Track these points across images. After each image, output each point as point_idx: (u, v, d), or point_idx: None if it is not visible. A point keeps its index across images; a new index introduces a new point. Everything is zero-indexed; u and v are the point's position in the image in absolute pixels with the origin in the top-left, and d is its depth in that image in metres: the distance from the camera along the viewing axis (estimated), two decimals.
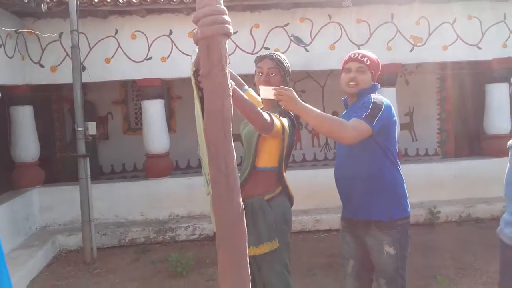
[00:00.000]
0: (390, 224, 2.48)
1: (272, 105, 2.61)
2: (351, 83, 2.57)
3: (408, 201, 2.60)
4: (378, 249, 2.50)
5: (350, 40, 6.73)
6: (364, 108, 2.39)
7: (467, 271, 4.59)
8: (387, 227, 2.48)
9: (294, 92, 2.31)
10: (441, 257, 5.00)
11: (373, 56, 2.62)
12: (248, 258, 1.49)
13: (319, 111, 2.35)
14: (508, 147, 2.09)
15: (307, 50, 6.73)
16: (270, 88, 2.35)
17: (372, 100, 2.43)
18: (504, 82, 6.95)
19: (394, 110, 2.53)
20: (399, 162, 2.61)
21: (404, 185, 2.60)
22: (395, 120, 2.54)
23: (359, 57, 2.57)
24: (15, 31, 5.91)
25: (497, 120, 7.03)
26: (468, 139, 8.82)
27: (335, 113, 8.98)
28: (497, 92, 7.00)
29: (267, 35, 6.64)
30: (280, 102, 2.30)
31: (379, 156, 2.50)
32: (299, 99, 2.30)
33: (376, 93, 2.58)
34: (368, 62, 2.56)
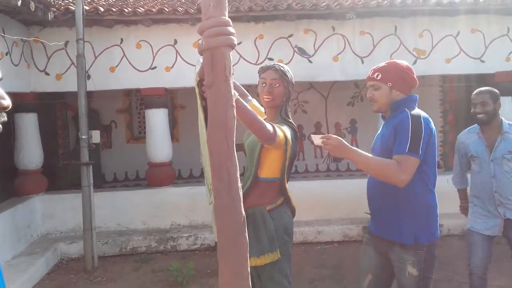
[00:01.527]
0: (416, 247, 2.40)
1: (275, 115, 2.63)
2: (371, 102, 2.54)
3: (438, 225, 2.51)
4: (401, 267, 2.44)
5: (354, 52, 6.76)
6: (404, 139, 2.28)
7: None
8: (412, 249, 2.41)
9: (340, 139, 2.27)
10: (443, 270, 4.97)
11: (390, 67, 2.50)
12: (249, 269, 1.49)
13: (367, 154, 2.31)
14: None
15: (310, 61, 6.76)
16: (319, 136, 2.33)
17: (410, 123, 2.31)
18: (507, 96, 6.95)
19: (432, 123, 2.41)
20: (434, 186, 2.49)
21: (437, 209, 2.50)
22: (435, 133, 2.41)
23: (370, 74, 2.53)
24: (21, 39, 5.96)
25: None
26: None
27: (337, 125, 9.05)
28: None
29: (271, 46, 6.69)
30: (329, 150, 2.28)
31: (416, 183, 2.37)
32: (346, 144, 2.27)
33: (415, 105, 2.48)
34: (380, 77, 2.47)
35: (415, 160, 2.27)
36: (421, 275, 2.41)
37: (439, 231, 2.52)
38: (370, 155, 2.37)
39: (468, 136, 3.55)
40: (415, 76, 2.53)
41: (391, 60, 2.58)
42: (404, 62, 2.55)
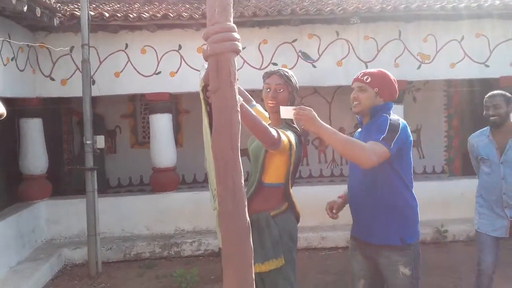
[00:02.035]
0: (403, 247, 2.45)
1: (279, 120, 2.62)
2: (354, 102, 2.58)
3: (418, 225, 2.57)
4: (393, 269, 2.46)
5: (358, 57, 6.76)
6: (381, 130, 2.36)
7: None
8: (400, 249, 2.45)
9: (313, 112, 2.29)
10: (448, 277, 4.94)
11: (379, 72, 2.57)
12: (253, 275, 1.48)
13: (339, 133, 2.33)
14: None
15: (314, 66, 6.77)
16: (290, 108, 2.34)
17: (389, 121, 2.40)
18: None
19: (409, 130, 2.50)
20: (413, 186, 2.56)
21: (417, 208, 2.56)
22: (411, 141, 2.51)
23: (359, 76, 2.58)
24: (27, 45, 6.00)
25: None
26: None
27: (342, 129, 9.02)
28: None
29: (275, 51, 6.69)
30: (300, 122, 2.29)
31: (393, 181, 2.46)
32: (318, 119, 2.29)
33: (391, 112, 2.53)
34: (369, 80, 2.52)
35: (386, 150, 2.29)
36: (414, 274, 2.46)
37: (419, 231, 2.57)
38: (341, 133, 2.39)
39: (479, 139, 3.59)
40: (397, 89, 2.61)
41: (381, 69, 2.64)
42: (390, 74, 2.61)
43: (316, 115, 2.29)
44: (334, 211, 2.71)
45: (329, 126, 2.31)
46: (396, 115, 2.53)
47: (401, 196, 2.49)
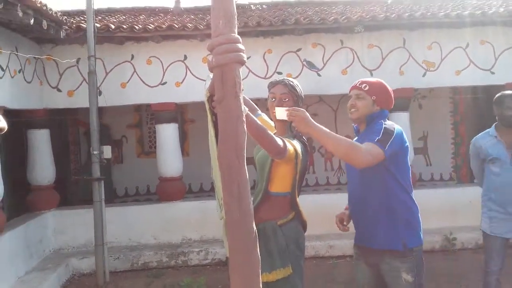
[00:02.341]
0: (405, 253, 2.45)
1: (285, 130, 2.63)
2: (352, 109, 2.60)
3: (421, 229, 2.57)
4: (395, 275, 2.46)
5: (362, 65, 6.77)
6: (376, 133, 2.39)
7: None
8: (402, 255, 2.45)
9: (306, 113, 2.31)
10: (457, 284, 4.90)
11: (376, 81, 2.61)
12: (261, 284, 1.48)
13: (332, 132, 2.35)
14: None
15: (319, 75, 6.78)
16: (284, 108, 2.37)
17: (384, 126, 2.44)
18: None
19: (405, 136, 2.52)
20: (412, 190, 2.57)
21: (418, 213, 2.57)
22: (407, 146, 2.52)
23: (357, 84, 2.61)
24: (34, 57, 6.06)
25: None
26: None
27: (348, 137, 8.99)
28: None
29: (280, 60, 6.72)
30: (293, 123, 2.31)
31: (390, 183, 2.47)
32: (312, 120, 2.30)
33: (387, 119, 2.57)
34: (367, 88, 2.55)
35: (380, 151, 2.32)
36: (416, 281, 2.45)
37: (422, 234, 2.56)
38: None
39: (485, 140, 3.57)
40: (393, 98, 2.65)
41: (377, 79, 2.68)
42: (387, 84, 2.65)
43: (309, 115, 2.31)
44: (344, 223, 2.69)
45: (321, 126, 2.32)
46: (391, 122, 2.56)
47: (400, 200, 2.49)
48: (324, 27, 6.46)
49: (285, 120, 2.49)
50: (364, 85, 2.57)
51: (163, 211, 6.66)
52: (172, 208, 6.67)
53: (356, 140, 2.62)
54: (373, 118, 2.55)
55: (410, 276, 2.43)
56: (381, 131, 2.39)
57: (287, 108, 2.35)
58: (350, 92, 2.65)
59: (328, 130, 2.34)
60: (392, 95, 2.63)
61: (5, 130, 0.92)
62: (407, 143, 2.53)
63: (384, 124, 2.46)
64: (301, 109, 2.34)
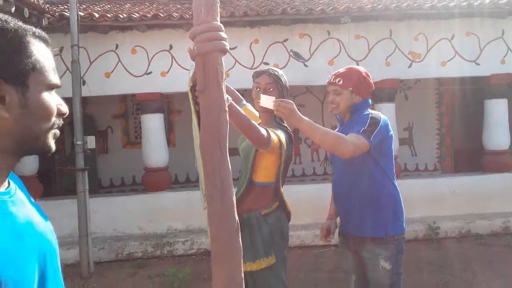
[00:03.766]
0: (387, 240, 2.49)
1: (270, 120, 2.62)
2: (332, 105, 2.62)
3: (404, 218, 2.60)
4: (374, 263, 2.51)
5: (349, 56, 6.78)
6: (362, 123, 2.41)
7: None
8: (384, 243, 2.49)
9: (294, 105, 2.31)
10: (440, 273, 4.97)
11: (350, 73, 2.60)
12: (243, 275, 1.48)
13: (317, 124, 2.36)
14: None
15: (306, 66, 6.77)
16: (272, 98, 2.35)
17: (370, 115, 2.46)
18: (502, 98, 6.98)
19: (390, 126, 2.55)
20: (395, 178, 2.61)
21: (401, 201, 2.60)
22: (392, 135, 2.55)
23: (331, 80, 2.62)
24: None
25: (496, 136, 7.02)
26: (467, 155, 8.83)
27: (334, 128, 9.02)
28: (496, 108, 7.02)
29: (266, 50, 6.69)
30: (279, 113, 2.31)
31: (375, 172, 2.50)
32: (298, 112, 2.30)
33: (369, 109, 2.59)
34: (341, 82, 2.56)
35: (366, 142, 2.34)
36: (394, 269, 2.49)
37: (404, 223, 2.60)
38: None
39: None
40: (372, 81, 2.65)
41: (351, 66, 2.69)
42: (362, 69, 2.66)
43: (296, 108, 2.31)
44: (331, 236, 2.75)
45: (307, 119, 2.33)
46: (377, 111, 2.59)
47: (384, 188, 2.54)
48: (311, 17, 6.44)
49: (270, 110, 2.48)
50: (338, 79, 2.58)
51: (149, 201, 6.63)
52: (157, 199, 6.64)
53: (340, 130, 2.64)
54: (358, 108, 2.57)
55: (388, 264, 2.48)
56: (368, 121, 2.40)
57: (276, 99, 2.33)
58: (327, 88, 2.67)
59: (314, 123, 2.35)
60: (369, 79, 2.63)
61: (67, 114, 0.98)
62: (392, 132, 2.56)
63: (371, 114, 2.48)
64: (290, 101, 2.34)
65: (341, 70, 2.65)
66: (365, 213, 2.51)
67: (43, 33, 0.95)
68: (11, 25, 0.86)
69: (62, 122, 1.01)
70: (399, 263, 2.52)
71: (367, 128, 2.37)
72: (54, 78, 0.98)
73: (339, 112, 2.62)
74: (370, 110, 2.54)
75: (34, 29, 0.93)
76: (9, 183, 0.93)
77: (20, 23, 0.89)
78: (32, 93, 0.90)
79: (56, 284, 0.99)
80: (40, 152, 0.98)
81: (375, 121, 2.42)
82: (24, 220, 0.89)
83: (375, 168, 2.50)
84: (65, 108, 0.99)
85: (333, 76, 2.62)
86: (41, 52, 0.93)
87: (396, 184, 2.60)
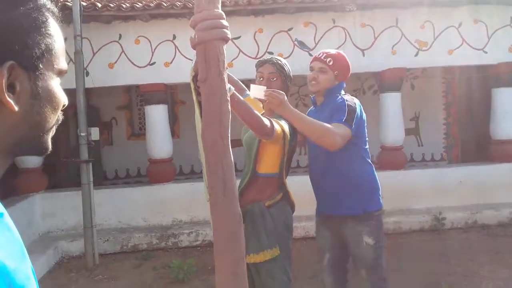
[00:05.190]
0: (366, 216, 2.57)
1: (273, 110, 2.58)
2: (312, 82, 2.63)
3: (380, 194, 2.68)
4: (357, 239, 2.58)
5: (354, 45, 6.69)
6: (341, 111, 2.45)
7: (473, 279, 4.52)
8: (363, 219, 2.57)
9: (285, 96, 2.32)
10: (446, 263, 4.93)
11: (340, 57, 2.65)
12: (246, 267, 1.45)
13: (307, 116, 2.41)
14: None
15: (311, 55, 6.69)
16: (262, 88, 2.32)
17: (346, 102, 2.49)
18: (510, 87, 6.88)
19: (362, 107, 2.64)
20: (369, 156, 2.70)
21: (376, 177, 2.68)
22: (365, 118, 2.63)
23: (322, 57, 2.64)
24: None
25: (503, 125, 6.92)
26: (474, 144, 8.74)
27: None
28: (503, 97, 6.92)
29: (271, 39, 6.62)
30: (269, 104, 2.32)
31: (351, 153, 2.57)
32: (288, 104, 2.32)
33: (342, 91, 2.65)
34: (331, 63, 2.60)
35: (348, 130, 2.42)
36: (377, 243, 2.58)
37: (381, 199, 2.70)
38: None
39: None
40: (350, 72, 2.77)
41: (338, 51, 2.74)
42: (347, 57, 2.73)
43: (286, 99, 2.31)
44: None
45: (297, 111, 2.35)
46: (348, 95, 2.64)
47: (360, 167, 2.62)
48: (315, 5, 6.35)
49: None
50: (329, 59, 2.61)
51: (153, 193, 6.62)
52: (162, 190, 6.62)
53: (314, 111, 2.71)
54: (332, 92, 2.62)
55: (371, 239, 2.57)
56: (346, 109, 2.44)
57: (267, 89, 2.30)
58: (312, 62, 2.68)
59: (303, 115, 2.41)
60: (350, 68, 2.72)
61: (66, 105, 0.85)
62: (364, 113, 2.63)
63: (346, 100, 2.52)
64: (281, 92, 2.33)
65: (332, 51, 2.70)
66: (341, 192, 2.58)
67: (56, 9, 0.78)
68: None
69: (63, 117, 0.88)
70: (380, 237, 2.61)
71: (347, 117, 2.43)
72: (64, 63, 0.83)
73: (317, 90, 2.64)
74: (342, 95, 2.59)
75: (49, 3, 0.76)
76: None
77: None
78: (44, 81, 0.75)
79: None
80: (36, 152, 0.82)
81: (352, 108, 2.48)
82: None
83: (352, 149, 2.55)
84: (66, 98, 0.88)
85: (324, 54, 2.65)
86: (57, 32, 0.78)
87: (370, 161, 2.69)
